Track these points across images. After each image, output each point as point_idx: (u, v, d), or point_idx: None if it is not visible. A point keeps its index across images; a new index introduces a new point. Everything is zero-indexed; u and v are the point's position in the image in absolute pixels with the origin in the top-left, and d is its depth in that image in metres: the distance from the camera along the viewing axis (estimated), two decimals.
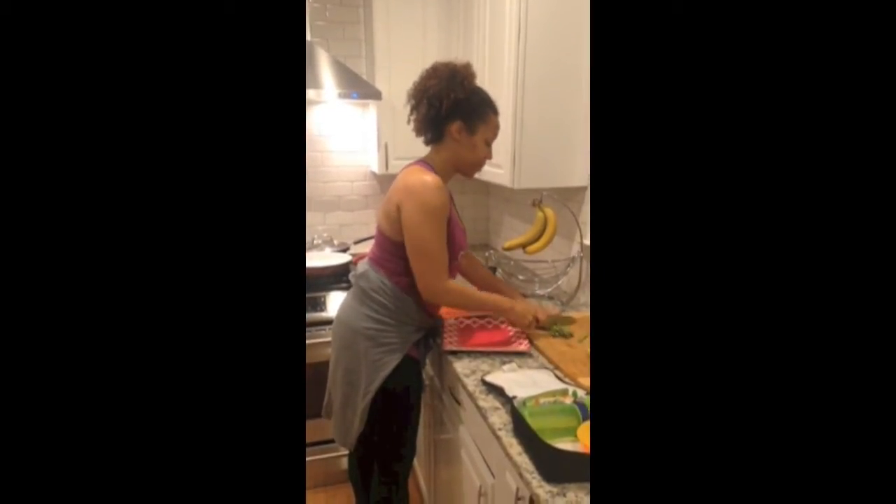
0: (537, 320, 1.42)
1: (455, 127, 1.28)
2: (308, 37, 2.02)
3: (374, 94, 2.01)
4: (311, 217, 2.39)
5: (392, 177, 2.35)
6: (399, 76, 2.10)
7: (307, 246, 2.29)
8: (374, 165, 2.29)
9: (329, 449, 2.02)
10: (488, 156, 1.34)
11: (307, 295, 1.95)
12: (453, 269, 1.37)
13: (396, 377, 1.29)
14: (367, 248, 2.39)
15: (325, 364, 1.94)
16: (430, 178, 1.25)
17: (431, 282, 1.25)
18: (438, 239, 1.24)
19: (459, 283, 1.42)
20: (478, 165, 1.35)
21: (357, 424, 1.33)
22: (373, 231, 2.43)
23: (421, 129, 1.33)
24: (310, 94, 1.93)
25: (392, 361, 1.29)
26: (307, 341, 1.91)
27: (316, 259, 2.15)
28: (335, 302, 1.96)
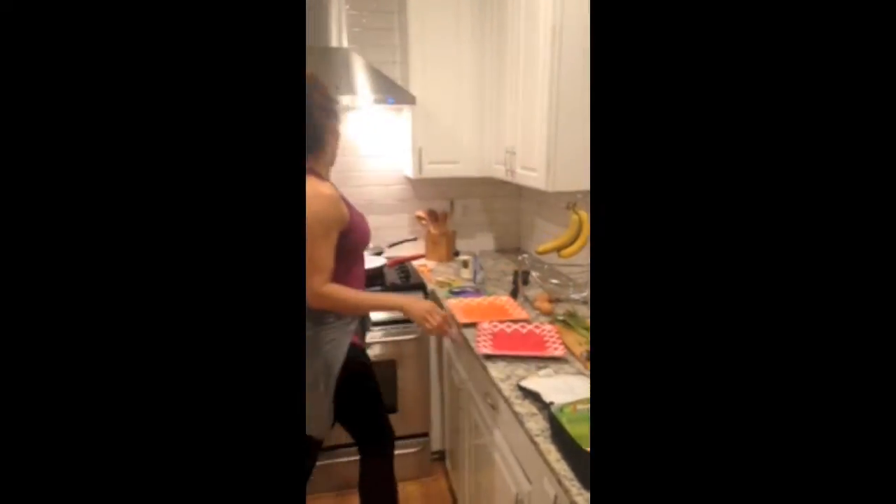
0: (430, 317, 1.38)
1: (329, 127, 1.35)
2: (345, 43, 2.05)
3: (409, 99, 2.03)
4: None
5: (426, 181, 2.39)
6: (433, 81, 2.12)
7: None
8: (408, 170, 2.32)
9: (344, 453, 2.04)
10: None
11: None
12: (360, 263, 1.46)
13: (351, 370, 1.40)
14: (401, 251, 2.42)
15: None
16: (319, 188, 1.30)
17: (308, 288, 1.29)
18: (313, 246, 1.28)
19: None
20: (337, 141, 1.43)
21: (325, 416, 1.42)
22: (407, 234, 2.47)
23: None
24: (345, 99, 1.96)
25: (336, 363, 1.38)
26: None
27: None
28: None
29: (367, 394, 1.50)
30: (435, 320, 1.37)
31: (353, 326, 1.43)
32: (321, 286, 1.30)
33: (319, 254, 1.29)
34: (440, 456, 2.15)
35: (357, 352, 1.44)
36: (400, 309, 1.42)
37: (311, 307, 1.34)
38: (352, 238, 1.36)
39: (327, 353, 1.38)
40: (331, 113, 1.35)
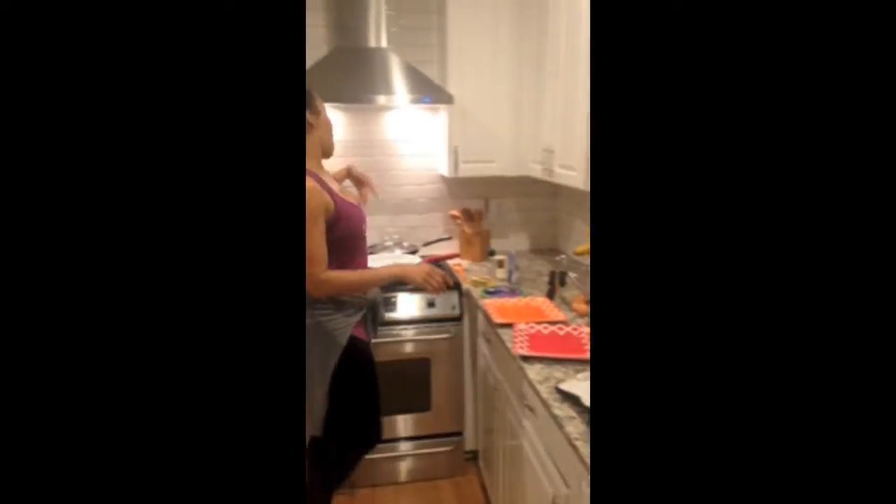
0: (431, 279, 1.44)
1: (308, 117, 1.40)
2: (383, 44, 2.07)
3: (446, 99, 2.03)
4: (381, 219, 2.45)
5: (461, 180, 2.38)
6: (471, 80, 2.11)
7: (378, 247, 2.34)
8: (444, 169, 2.32)
9: (377, 449, 2.06)
10: (327, 119, 1.48)
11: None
12: (360, 252, 1.48)
13: (345, 362, 1.42)
14: (436, 249, 2.43)
15: (394, 363, 1.99)
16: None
17: (309, 278, 1.32)
18: (309, 238, 1.32)
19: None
20: (328, 132, 1.49)
21: (317, 412, 1.45)
22: (441, 233, 2.48)
23: None
24: (381, 99, 1.98)
25: (333, 354, 1.41)
26: (378, 340, 1.96)
27: (386, 260, 2.20)
28: (405, 302, 2.00)
29: (362, 387, 1.50)
30: (436, 282, 1.45)
31: (356, 318, 1.45)
32: (320, 274, 1.35)
33: (311, 244, 1.34)
34: (473, 456, 2.15)
35: (360, 344, 1.46)
36: (400, 277, 1.46)
37: (315, 296, 1.38)
38: (342, 226, 1.40)
39: (325, 344, 1.41)
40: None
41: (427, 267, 1.46)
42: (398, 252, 2.30)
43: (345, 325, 1.43)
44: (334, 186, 1.47)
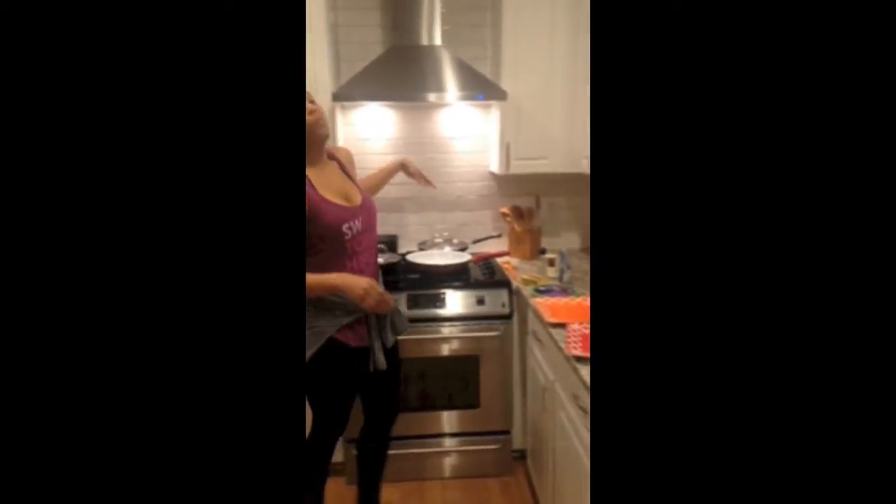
0: (367, 296, 1.35)
1: None
2: (436, 41, 2.08)
3: (500, 95, 2.02)
4: (431, 216, 2.46)
5: (513, 177, 2.36)
6: (525, 77, 2.09)
7: (428, 244, 2.36)
8: (495, 166, 2.31)
9: (424, 444, 2.08)
10: (317, 111, 1.41)
11: (429, 291, 2.01)
12: (344, 253, 1.42)
13: (319, 362, 1.40)
14: (485, 247, 2.42)
15: (443, 359, 2.00)
16: None
17: None
18: None
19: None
20: (318, 125, 1.41)
21: None
22: (491, 231, 2.47)
23: None
24: (432, 97, 1.99)
25: (312, 348, 1.39)
26: (425, 336, 1.98)
27: (436, 257, 2.22)
28: (454, 299, 2.01)
29: (327, 386, 1.49)
30: (372, 299, 1.37)
31: (345, 320, 1.42)
32: None
33: None
34: (521, 455, 2.14)
35: (340, 347, 1.43)
36: (336, 289, 1.38)
37: None
38: (316, 225, 1.36)
39: (307, 337, 1.40)
40: None
41: (366, 283, 1.37)
42: (447, 249, 2.31)
43: (329, 325, 1.42)
44: (331, 181, 1.45)
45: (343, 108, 2.29)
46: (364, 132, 2.36)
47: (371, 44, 2.24)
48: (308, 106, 1.39)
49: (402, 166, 1.87)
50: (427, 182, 1.90)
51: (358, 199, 1.50)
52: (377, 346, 1.49)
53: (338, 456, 2.03)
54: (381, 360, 1.49)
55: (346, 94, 1.99)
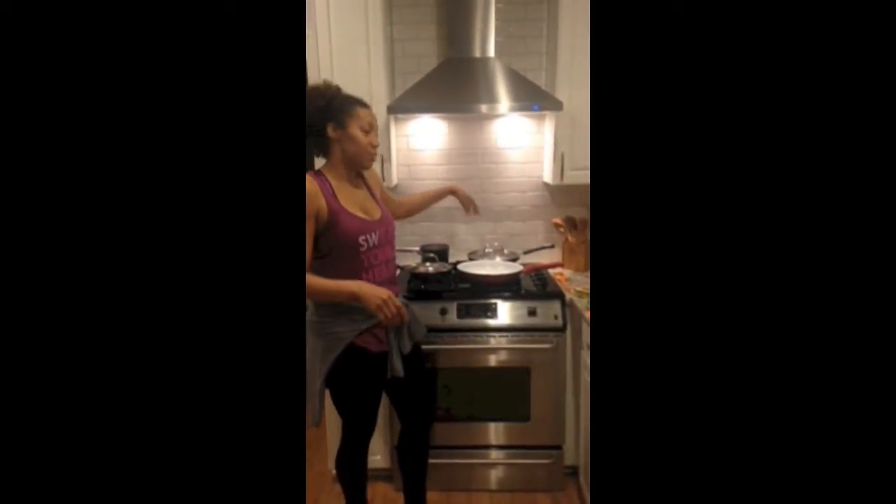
0: (385, 307, 1.34)
1: (329, 127, 1.44)
2: (490, 53, 2.09)
3: (555, 105, 2.00)
4: (482, 226, 2.46)
5: (565, 188, 2.33)
6: (580, 87, 2.06)
7: (478, 254, 2.36)
8: (548, 176, 2.28)
9: (473, 454, 2.05)
10: (373, 142, 1.48)
11: (479, 301, 2.01)
12: (360, 265, 1.46)
13: (340, 367, 1.45)
14: (537, 258, 2.39)
15: (492, 370, 1.99)
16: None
17: None
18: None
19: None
20: (366, 153, 1.48)
21: (315, 409, 1.49)
22: (543, 241, 2.44)
23: (311, 151, 1.51)
24: (483, 108, 2.00)
25: (333, 353, 1.44)
26: (473, 346, 1.97)
27: (487, 267, 2.21)
28: (505, 310, 1.99)
29: (350, 391, 1.53)
30: (390, 311, 1.36)
31: (364, 325, 1.45)
32: None
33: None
34: (573, 471, 2.08)
35: (360, 353, 1.47)
36: (354, 296, 1.37)
37: None
38: (333, 234, 1.41)
39: (326, 342, 1.46)
40: (327, 114, 1.43)
41: (385, 293, 1.36)
42: (498, 259, 2.30)
43: (349, 330, 1.45)
44: (355, 195, 1.50)
45: (397, 119, 2.34)
46: (418, 143, 2.40)
47: (426, 57, 2.29)
48: (368, 120, 1.46)
49: (453, 192, 1.96)
50: (476, 210, 2.03)
51: (377, 213, 1.54)
52: (395, 352, 1.52)
53: (385, 462, 2.05)
54: (397, 367, 1.51)
55: (401, 106, 2.03)
